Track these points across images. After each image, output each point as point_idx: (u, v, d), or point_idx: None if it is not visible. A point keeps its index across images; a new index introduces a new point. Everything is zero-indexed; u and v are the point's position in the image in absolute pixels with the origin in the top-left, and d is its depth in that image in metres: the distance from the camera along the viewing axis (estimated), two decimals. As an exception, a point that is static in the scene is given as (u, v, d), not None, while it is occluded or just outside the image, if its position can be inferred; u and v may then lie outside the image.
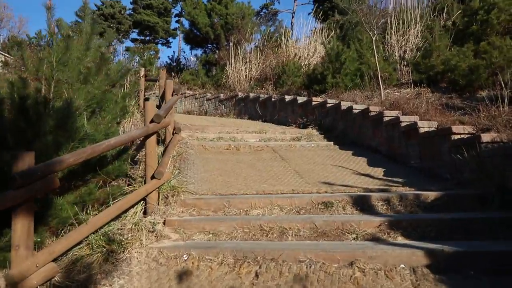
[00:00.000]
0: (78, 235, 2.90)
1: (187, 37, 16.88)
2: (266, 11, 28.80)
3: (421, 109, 6.22)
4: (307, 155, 6.23)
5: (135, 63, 22.92)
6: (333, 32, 13.93)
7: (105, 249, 3.09)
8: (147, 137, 4.06)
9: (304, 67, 11.86)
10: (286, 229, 3.39)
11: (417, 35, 10.12)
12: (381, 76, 8.17)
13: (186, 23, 17.31)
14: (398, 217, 3.45)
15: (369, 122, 6.67)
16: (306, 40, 13.02)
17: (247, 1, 16.71)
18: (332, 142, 7.02)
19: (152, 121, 4.04)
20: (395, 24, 10.48)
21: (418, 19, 10.41)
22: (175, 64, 19.62)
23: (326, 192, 4.16)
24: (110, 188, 3.71)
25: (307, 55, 12.39)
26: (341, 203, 3.78)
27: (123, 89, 6.26)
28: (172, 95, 5.76)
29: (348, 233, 3.26)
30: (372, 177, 4.95)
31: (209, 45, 17.02)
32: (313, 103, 8.65)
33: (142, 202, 3.99)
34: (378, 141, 6.40)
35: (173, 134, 5.66)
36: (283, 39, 13.40)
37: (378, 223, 3.30)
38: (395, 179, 4.79)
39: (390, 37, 10.47)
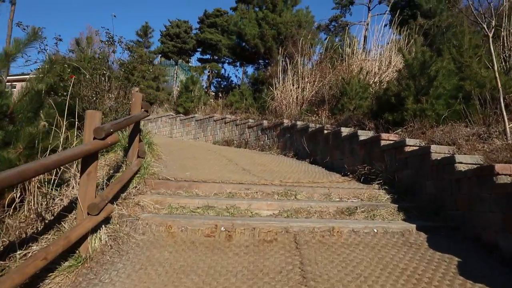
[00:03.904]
0: None
1: (233, 52, 14.44)
2: (336, 24, 25.64)
3: None
4: (361, 264, 3.04)
5: (176, 83, 21.18)
6: (413, 39, 10.43)
7: None
8: None
9: (373, 85, 8.57)
10: None
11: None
12: (504, 98, 4.70)
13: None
14: None
15: (494, 194, 3.30)
16: (378, 50, 9.71)
17: (305, 7, 13.76)
18: (414, 225, 3.72)
19: None
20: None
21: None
22: (225, 83, 17.38)
23: None
24: None
25: (378, 69, 9.07)
26: None
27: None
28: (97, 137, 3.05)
29: None
30: None
31: (260, 61, 14.41)
32: (382, 142, 5.40)
33: None
34: (519, 240, 3.01)
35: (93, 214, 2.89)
36: (347, 49, 10.24)
37: None
38: None
39: (509, 38, 6.85)
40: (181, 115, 14.54)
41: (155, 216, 3.70)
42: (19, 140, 3.34)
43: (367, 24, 23.65)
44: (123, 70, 6.39)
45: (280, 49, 12.11)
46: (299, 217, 3.97)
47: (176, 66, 32.03)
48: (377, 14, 24.14)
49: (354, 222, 3.80)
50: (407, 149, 4.87)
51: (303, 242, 3.39)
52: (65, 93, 6.36)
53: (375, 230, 3.65)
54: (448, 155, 4.16)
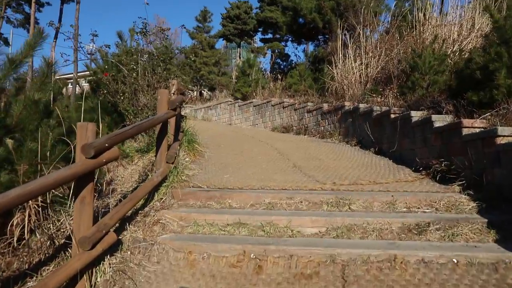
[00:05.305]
0: None
1: (289, 29, 13.42)
2: (408, -13, 23.01)
3: None
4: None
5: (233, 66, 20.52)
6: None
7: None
8: None
9: (451, 56, 7.16)
10: None
11: None
12: None
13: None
14: None
15: None
16: (457, 11, 8.13)
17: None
18: None
19: None
20: None
21: None
22: (285, 63, 16.48)
23: None
24: None
25: (458, 35, 7.57)
26: None
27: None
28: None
29: None
30: None
31: (320, 37, 13.25)
32: (464, 131, 4.28)
33: None
34: None
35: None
36: (418, 14, 8.76)
37: None
38: None
39: None
40: (239, 101, 14.03)
41: (175, 238, 3.15)
42: (22, 158, 2.96)
43: (445, -17, 20.81)
44: (155, 62, 5.91)
45: (340, 22, 10.88)
46: (352, 237, 3.15)
47: (239, 49, 31.60)
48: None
49: (425, 248, 2.88)
50: (500, 140, 3.73)
51: (353, 279, 2.60)
52: (105, 91, 6.10)
53: (455, 260, 2.72)
54: (563, 151, 3.02)
